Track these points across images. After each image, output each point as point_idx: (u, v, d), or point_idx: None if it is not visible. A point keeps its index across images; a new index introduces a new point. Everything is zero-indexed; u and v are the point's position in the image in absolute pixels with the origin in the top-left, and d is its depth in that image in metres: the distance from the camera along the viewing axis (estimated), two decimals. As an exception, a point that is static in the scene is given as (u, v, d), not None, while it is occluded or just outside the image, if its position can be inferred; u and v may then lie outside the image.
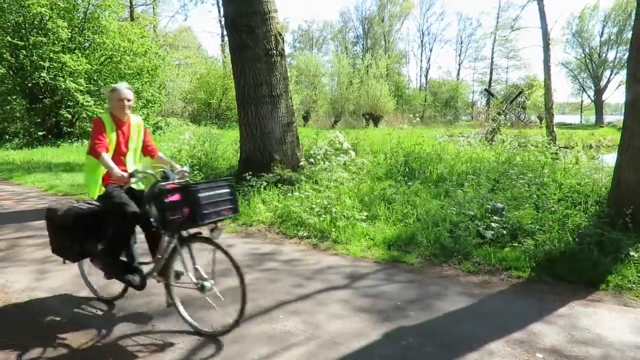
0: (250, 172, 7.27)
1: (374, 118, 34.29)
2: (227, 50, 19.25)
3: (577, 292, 3.81)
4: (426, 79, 57.20)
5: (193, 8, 50.09)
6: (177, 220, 2.99)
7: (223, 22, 30.33)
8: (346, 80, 36.98)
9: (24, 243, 5.50)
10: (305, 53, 45.85)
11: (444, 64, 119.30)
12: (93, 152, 3.27)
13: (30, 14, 17.60)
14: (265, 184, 7.07)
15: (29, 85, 17.96)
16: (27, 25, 18.17)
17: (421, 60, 60.78)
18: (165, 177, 3.17)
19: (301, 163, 7.87)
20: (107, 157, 3.26)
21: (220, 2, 30.16)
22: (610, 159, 7.05)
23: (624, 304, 3.59)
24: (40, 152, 15.72)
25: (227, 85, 26.73)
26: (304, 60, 38.55)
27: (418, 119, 25.74)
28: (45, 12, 17.55)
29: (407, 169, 7.88)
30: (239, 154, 8.45)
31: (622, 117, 5.17)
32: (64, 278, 4.26)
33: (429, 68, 57.56)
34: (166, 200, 2.98)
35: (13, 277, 4.34)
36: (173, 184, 3.13)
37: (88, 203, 3.49)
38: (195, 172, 8.65)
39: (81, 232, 3.31)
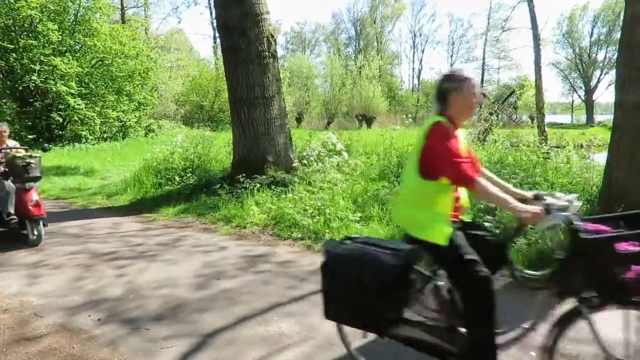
0: (244, 174, 7.25)
1: (367, 119, 34.37)
2: (219, 52, 19.26)
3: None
4: (418, 79, 57.42)
5: (185, 10, 50.14)
6: (630, 283, 1.95)
7: (215, 24, 30.31)
8: (339, 82, 37.07)
9: (15, 247, 5.45)
10: (298, 55, 45.91)
11: (436, 65, 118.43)
12: (459, 176, 2.16)
13: (20, 16, 17.45)
14: (258, 185, 7.05)
15: (19, 88, 17.81)
16: (16, 28, 18.01)
17: (413, 61, 61.10)
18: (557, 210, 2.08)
19: (294, 164, 7.87)
20: (487, 184, 2.18)
21: (212, 4, 30.12)
22: (601, 158, 7.11)
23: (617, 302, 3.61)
24: (31, 156, 15.57)
25: (219, 87, 26.64)
26: (297, 62, 38.61)
27: (411, 119, 25.89)
28: (35, 14, 17.41)
29: (400, 170, 7.89)
30: (232, 156, 8.44)
31: (612, 117, 5.22)
32: (56, 283, 4.23)
33: (421, 69, 57.77)
34: (618, 249, 1.95)
35: (4, 282, 4.29)
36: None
37: (381, 246, 2.29)
38: (188, 175, 8.62)
39: (402, 294, 2.22)
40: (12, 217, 5.38)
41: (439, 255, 2.30)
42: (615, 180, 4.81)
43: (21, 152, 5.67)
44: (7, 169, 5.54)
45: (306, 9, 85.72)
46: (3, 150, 5.67)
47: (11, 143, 5.94)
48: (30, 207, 5.40)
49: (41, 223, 5.50)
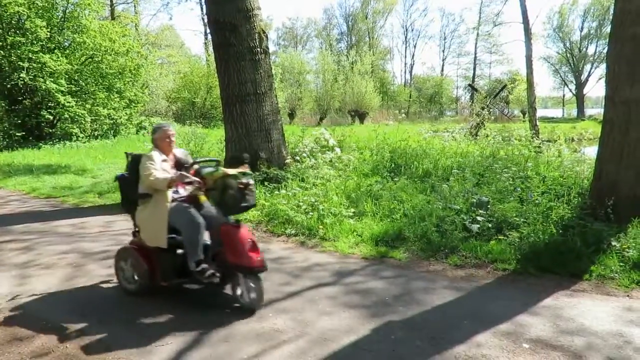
0: (237, 171, 7.22)
1: (359, 115, 34.38)
2: (210, 48, 19.14)
3: (561, 282, 3.87)
4: (411, 75, 57.49)
5: (175, 6, 49.67)
6: None
7: (206, 20, 30.05)
8: (331, 78, 36.93)
9: (6, 247, 5.39)
10: (290, 51, 45.71)
11: (428, 60, 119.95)
12: None
13: (7, 13, 17.21)
14: (251, 182, 7.03)
15: (8, 86, 17.59)
16: (4, 25, 17.76)
17: (405, 57, 61.06)
18: None
19: (287, 161, 7.85)
20: None
21: (203, 0, 29.88)
22: (591, 152, 7.18)
23: (607, 294, 3.66)
24: (20, 155, 15.41)
25: (211, 83, 26.49)
26: (289, 57, 38.42)
27: (403, 115, 25.93)
28: (23, 11, 17.17)
29: (393, 165, 7.91)
30: (224, 153, 8.40)
31: (602, 111, 5.26)
32: (48, 283, 4.19)
33: (413, 64, 57.84)
34: None
35: (-5, 282, 4.25)
36: None
37: None
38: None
39: None
40: (203, 267, 3.47)
41: None
42: (605, 173, 4.86)
43: (218, 169, 3.67)
44: (203, 192, 3.69)
45: (298, 4, 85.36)
46: (195, 166, 3.77)
47: (179, 152, 3.98)
48: (247, 254, 3.39)
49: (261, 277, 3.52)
